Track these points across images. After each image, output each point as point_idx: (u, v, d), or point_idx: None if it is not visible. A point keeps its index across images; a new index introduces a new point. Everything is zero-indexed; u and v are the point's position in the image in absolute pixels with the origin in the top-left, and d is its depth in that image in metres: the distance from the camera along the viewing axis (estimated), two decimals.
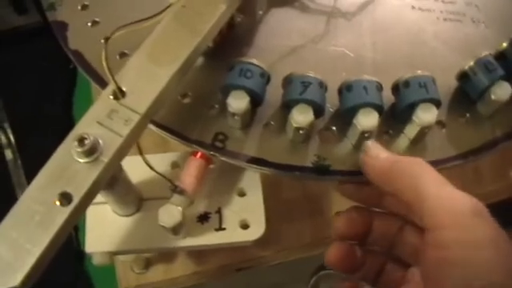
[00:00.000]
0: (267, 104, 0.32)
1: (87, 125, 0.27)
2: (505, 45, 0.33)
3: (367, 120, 0.29)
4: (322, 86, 0.31)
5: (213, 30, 0.30)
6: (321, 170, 0.31)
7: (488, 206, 0.25)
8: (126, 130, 0.26)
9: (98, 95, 0.28)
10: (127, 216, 0.37)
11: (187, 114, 0.32)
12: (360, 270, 0.31)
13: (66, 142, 0.26)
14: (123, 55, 0.33)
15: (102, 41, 0.27)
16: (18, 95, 1.02)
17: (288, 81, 0.31)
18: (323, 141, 0.32)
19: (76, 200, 0.25)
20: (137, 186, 0.37)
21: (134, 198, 0.37)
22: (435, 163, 0.32)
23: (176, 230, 0.35)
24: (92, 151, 0.25)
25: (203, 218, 0.38)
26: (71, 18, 0.36)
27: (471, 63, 0.32)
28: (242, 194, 0.39)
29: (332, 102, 0.32)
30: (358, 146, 0.31)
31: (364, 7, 0.37)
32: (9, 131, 1.00)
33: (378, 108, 0.30)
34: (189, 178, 0.36)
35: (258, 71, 0.30)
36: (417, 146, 0.32)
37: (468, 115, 0.33)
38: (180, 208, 0.35)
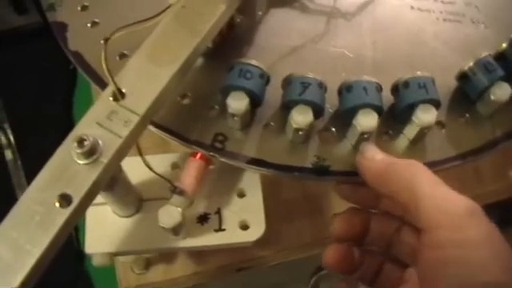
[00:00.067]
0: (267, 105, 0.32)
1: (87, 126, 0.27)
2: (504, 45, 0.33)
3: (367, 121, 0.29)
4: (322, 87, 0.31)
5: (213, 30, 0.30)
6: (320, 171, 0.31)
7: (488, 205, 0.25)
8: (125, 131, 0.26)
9: (98, 95, 0.28)
10: (127, 217, 0.37)
11: (187, 115, 0.32)
12: (358, 270, 0.31)
13: (66, 143, 0.26)
14: (123, 56, 0.33)
15: (102, 42, 0.27)
16: (18, 95, 1.02)
17: (288, 81, 0.31)
18: (323, 141, 0.32)
19: (76, 201, 0.25)
20: (136, 186, 0.37)
21: (133, 199, 0.37)
22: (435, 164, 0.32)
23: (176, 230, 0.35)
24: (92, 152, 0.25)
25: (203, 218, 0.38)
26: (71, 18, 0.36)
27: (471, 64, 0.32)
28: (241, 195, 0.39)
29: (332, 103, 0.32)
30: (358, 146, 0.30)
31: (364, 7, 0.37)
32: (9, 131, 0.99)
33: (378, 109, 0.30)
34: (188, 178, 0.36)
35: (257, 72, 0.30)
36: (416, 146, 0.32)
37: (468, 115, 0.33)
38: (180, 209, 0.35)
